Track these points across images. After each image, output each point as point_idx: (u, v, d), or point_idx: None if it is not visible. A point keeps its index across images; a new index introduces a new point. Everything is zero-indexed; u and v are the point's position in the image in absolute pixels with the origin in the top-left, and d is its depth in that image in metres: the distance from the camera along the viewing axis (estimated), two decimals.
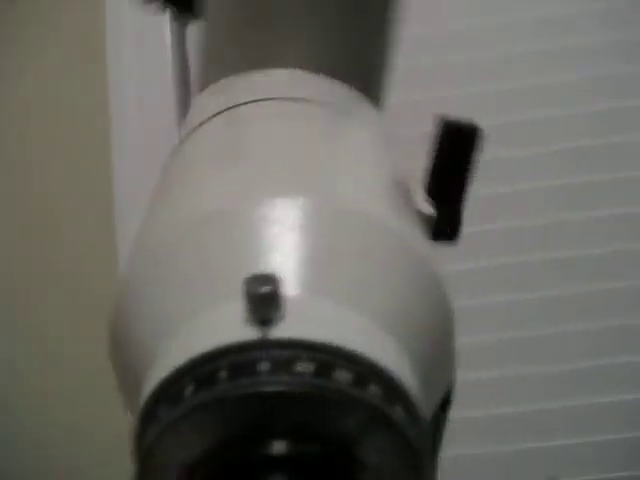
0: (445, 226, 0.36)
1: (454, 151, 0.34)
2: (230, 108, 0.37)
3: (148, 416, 0.23)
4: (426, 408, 0.27)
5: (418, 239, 0.29)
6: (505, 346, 1.13)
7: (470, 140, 0.34)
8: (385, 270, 0.27)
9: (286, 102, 0.37)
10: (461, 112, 0.36)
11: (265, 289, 0.23)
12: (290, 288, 0.24)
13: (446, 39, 1.19)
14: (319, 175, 0.30)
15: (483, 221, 1.11)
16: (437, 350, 0.28)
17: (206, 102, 0.40)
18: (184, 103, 1.21)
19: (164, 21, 1.20)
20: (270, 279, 0.23)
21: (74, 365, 1.19)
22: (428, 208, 0.34)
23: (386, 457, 0.23)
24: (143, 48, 1.24)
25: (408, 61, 1.05)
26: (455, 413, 0.38)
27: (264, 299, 0.23)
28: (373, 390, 0.22)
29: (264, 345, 0.22)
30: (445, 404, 0.42)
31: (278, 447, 0.22)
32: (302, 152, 0.32)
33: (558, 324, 1.13)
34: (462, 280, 1.10)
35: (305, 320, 0.24)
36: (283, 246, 0.26)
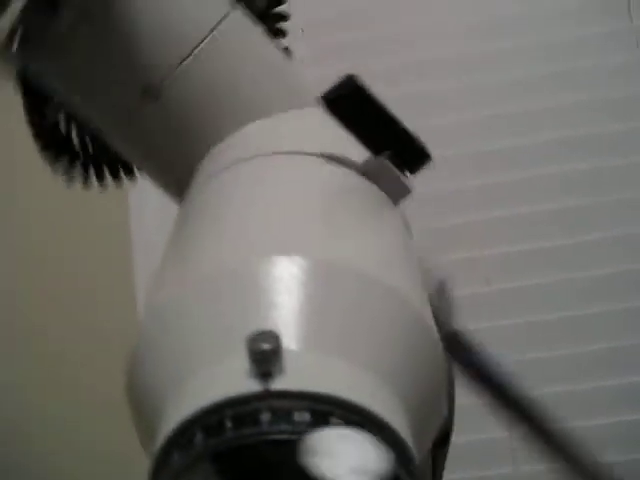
0: (411, 156, 0.40)
1: (354, 112, 0.38)
2: (244, 160, 0.39)
3: (161, 463, 0.25)
4: (418, 451, 0.29)
5: (413, 293, 0.31)
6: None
7: (356, 92, 0.38)
8: (379, 324, 0.29)
9: (298, 156, 0.39)
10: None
11: (266, 345, 0.25)
12: (289, 343, 0.27)
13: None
14: (318, 233, 0.33)
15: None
16: (429, 397, 0.30)
17: (221, 151, 0.42)
18: None
19: None
20: (271, 336, 0.26)
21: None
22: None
23: None
24: None
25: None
26: None
27: (265, 354, 0.25)
28: None
29: (265, 397, 0.25)
30: (444, 442, 0.45)
31: None
32: (303, 209, 0.34)
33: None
34: None
35: (303, 373, 0.26)
36: (282, 303, 0.28)
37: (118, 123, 0.44)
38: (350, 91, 0.39)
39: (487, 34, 1.23)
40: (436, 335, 0.31)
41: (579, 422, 1.10)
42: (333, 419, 0.24)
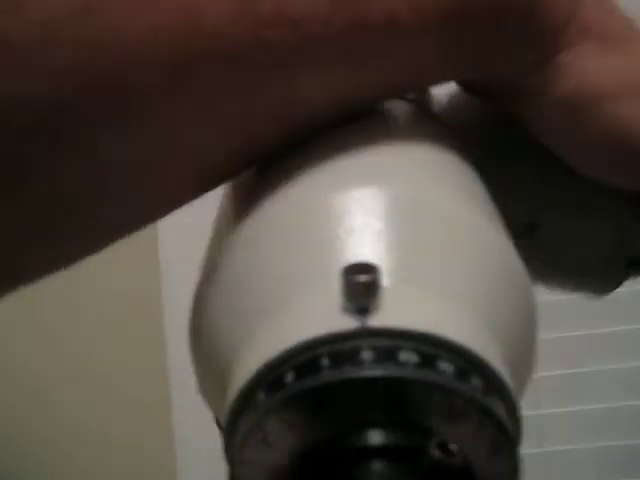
0: None
1: None
2: None
3: (244, 404, 0.22)
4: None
5: (497, 232, 0.29)
6: None
7: None
8: (472, 260, 0.26)
9: None
10: None
11: (364, 277, 0.23)
12: (384, 276, 0.24)
13: None
14: (399, 169, 0.30)
15: None
16: (522, 346, 0.27)
17: None
18: None
19: None
20: (368, 268, 0.23)
21: None
22: None
23: (482, 452, 0.22)
24: None
25: None
26: None
27: (363, 288, 0.23)
28: (475, 383, 0.22)
29: (365, 334, 0.22)
30: None
31: (376, 437, 0.21)
32: (381, 147, 0.31)
33: None
34: None
35: (402, 309, 0.23)
36: (370, 236, 0.26)
37: None
38: None
39: None
40: (527, 277, 0.28)
41: None
42: (441, 362, 0.22)
